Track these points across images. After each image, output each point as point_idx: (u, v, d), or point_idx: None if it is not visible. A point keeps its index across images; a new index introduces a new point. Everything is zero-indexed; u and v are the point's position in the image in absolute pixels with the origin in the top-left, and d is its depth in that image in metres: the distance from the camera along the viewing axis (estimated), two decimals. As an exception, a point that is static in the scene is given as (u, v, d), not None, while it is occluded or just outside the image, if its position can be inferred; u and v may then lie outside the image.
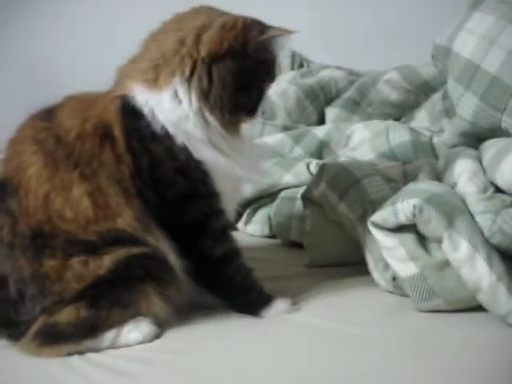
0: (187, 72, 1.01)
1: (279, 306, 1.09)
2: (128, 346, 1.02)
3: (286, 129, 1.70)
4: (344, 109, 1.82)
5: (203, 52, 1.00)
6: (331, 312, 1.07)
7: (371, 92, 1.85)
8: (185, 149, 1.02)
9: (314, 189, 1.27)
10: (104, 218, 1.00)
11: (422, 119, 1.76)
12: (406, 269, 1.04)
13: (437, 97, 1.73)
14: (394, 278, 1.08)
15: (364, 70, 2.04)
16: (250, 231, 1.49)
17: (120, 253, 1.00)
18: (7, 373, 0.98)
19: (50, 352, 1.01)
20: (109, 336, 1.02)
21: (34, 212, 1.01)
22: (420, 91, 1.82)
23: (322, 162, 1.43)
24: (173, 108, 1.02)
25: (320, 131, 1.61)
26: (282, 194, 1.43)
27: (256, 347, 0.99)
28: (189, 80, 1.01)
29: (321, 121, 1.86)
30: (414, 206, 1.01)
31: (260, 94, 1.06)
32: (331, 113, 1.82)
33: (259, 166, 1.13)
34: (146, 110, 1.02)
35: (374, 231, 1.07)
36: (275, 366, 0.92)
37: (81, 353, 1.01)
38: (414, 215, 1.01)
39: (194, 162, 1.03)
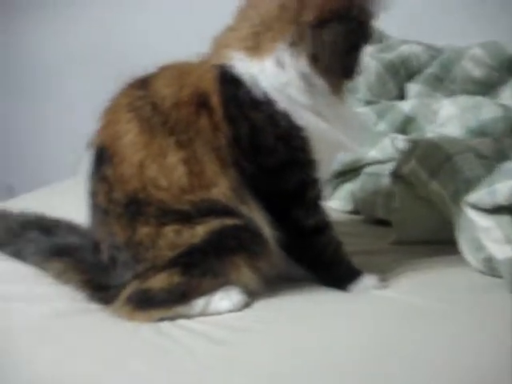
0: (293, 37, 1.00)
1: (367, 281, 1.08)
2: (218, 313, 1.03)
3: (368, 103, 1.67)
4: (426, 85, 1.77)
5: (309, 16, 0.99)
6: (420, 289, 1.06)
7: (455, 68, 1.79)
8: (286, 115, 1.01)
9: (404, 165, 1.24)
10: (199, 186, 1.01)
11: (506, 98, 1.70)
12: (502, 251, 1.01)
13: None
14: (488, 259, 1.06)
15: (444, 45, 1.98)
16: (332, 206, 1.48)
17: (214, 223, 1.01)
18: (101, 336, 1.00)
19: (142, 317, 1.03)
20: (200, 303, 1.03)
21: (128, 179, 1.02)
22: (504, 69, 1.76)
23: (408, 137, 1.40)
24: (276, 74, 1.01)
25: (405, 106, 1.58)
26: (367, 169, 1.41)
27: (343, 321, 0.99)
28: (295, 45, 1.00)
29: (401, 97, 1.81)
30: (515, 187, 0.98)
31: (359, 55, 1.04)
32: (413, 88, 1.77)
33: (360, 135, 1.11)
34: (245, 78, 1.01)
35: (470, 211, 1.04)
36: (361, 340, 0.92)
37: (171, 319, 1.02)
38: (513, 196, 0.99)
39: (296, 129, 1.02)
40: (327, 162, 1.08)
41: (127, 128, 1.03)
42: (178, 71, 1.08)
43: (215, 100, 1.02)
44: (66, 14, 2.81)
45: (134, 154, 1.02)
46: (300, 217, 1.06)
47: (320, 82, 1.02)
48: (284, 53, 1.01)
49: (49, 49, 2.89)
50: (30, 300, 1.14)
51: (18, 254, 1.27)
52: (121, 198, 1.03)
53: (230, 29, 1.06)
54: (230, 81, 1.03)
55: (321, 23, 0.99)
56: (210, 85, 1.03)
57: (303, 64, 1.01)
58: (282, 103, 1.01)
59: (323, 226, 1.08)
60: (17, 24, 2.93)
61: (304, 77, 1.01)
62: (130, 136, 1.03)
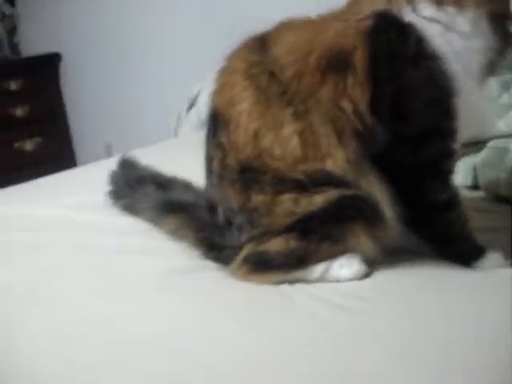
0: None
1: (492, 259, 1.03)
2: (337, 281, 1.01)
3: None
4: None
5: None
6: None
7: None
8: (449, 78, 0.96)
9: (537, 140, 1.17)
10: (313, 158, 0.98)
11: None
12: None
13: None
14: None
15: None
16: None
17: (332, 193, 0.98)
18: (220, 294, 1.00)
19: (260, 279, 1.02)
20: (318, 269, 1.02)
21: (243, 147, 1.00)
22: None
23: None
24: (463, 34, 0.97)
25: (533, 79, 1.49)
26: (491, 143, 1.34)
27: (464, 295, 0.94)
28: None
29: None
30: None
31: None
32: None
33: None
34: (420, 28, 0.96)
35: None
36: (483, 318, 0.88)
37: (289, 282, 1.01)
38: None
39: (452, 94, 0.97)
40: (462, 134, 1.03)
41: (243, 96, 1.01)
42: (303, 31, 1.03)
43: (360, 56, 0.96)
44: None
45: (249, 123, 1.00)
46: (433, 190, 1.01)
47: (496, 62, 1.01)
48: (483, 19, 0.97)
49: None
50: (146, 254, 1.16)
51: (133, 208, 1.29)
52: (235, 165, 1.02)
53: None
54: (388, 31, 0.96)
55: None
56: (355, 40, 0.97)
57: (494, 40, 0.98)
58: (455, 66, 0.96)
59: (455, 201, 1.03)
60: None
61: (488, 53, 0.99)
62: (245, 104, 1.01)
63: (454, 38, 0.97)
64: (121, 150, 1.91)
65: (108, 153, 3.07)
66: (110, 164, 1.44)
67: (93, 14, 3.11)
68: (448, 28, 0.97)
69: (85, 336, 0.91)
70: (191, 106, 2.34)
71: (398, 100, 0.97)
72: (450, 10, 0.97)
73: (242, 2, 2.54)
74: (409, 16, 0.97)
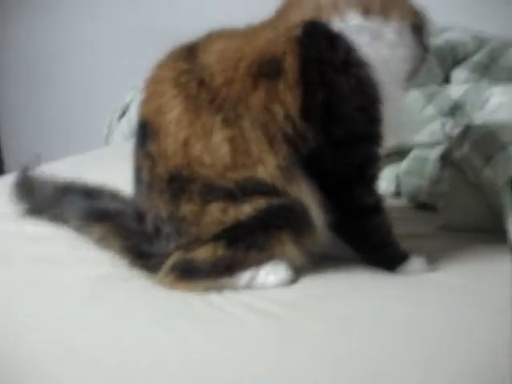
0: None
1: (415, 264, 1.06)
2: (264, 288, 1.02)
3: (417, 86, 1.64)
4: (473, 72, 1.73)
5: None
6: (466, 274, 1.04)
7: (502, 58, 1.76)
8: (377, 85, 0.99)
9: (456, 150, 1.22)
10: (243, 165, 0.98)
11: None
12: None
13: None
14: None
15: (491, 34, 1.94)
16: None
17: (260, 202, 0.99)
18: (147, 303, 0.99)
19: (187, 286, 1.02)
20: (245, 276, 1.02)
21: (172, 156, 1.00)
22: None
23: (460, 122, 1.37)
24: (391, 43, 1.01)
25: (455, 91, 1.54)
26: (414, 152, 1.39)
27: (389, 301, 0.97)
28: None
29: (446, 82, 1.78)
30: None
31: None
32: (460, 75, 1.73)
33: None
34: (347, 37, 0.99)
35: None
36: (413, 321, 0.91)
37: (217, 291, 1.01)
38: None
39: (380, 101, 1.00)
40: (387, 141, 1.06)
41: (172, 104, 1.01)
42: (233, 40, 1.04)
43: (290, 63, 0.97)
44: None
45: (179, 132, 1.00)
46: (361, 195, 1.03)
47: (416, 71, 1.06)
48: (406, 29, 1.02)
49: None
50: (71, 264, 1.13)
51: (59, 218, 1.27)
52: (164, 174, 1.01)
53: None
54: (318, 40, 0.98)
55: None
56: (286, 47, 0.98)
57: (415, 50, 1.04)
58: (380, 74, 0.99)
59: (380, 206, 1.06)
60: None
61: (410, 62, 1.04)
62: (174, 113, 1.00)
63: (380, 47, 1.00)
64: (51, 159, 1.88)
65: (37, 161, 2.98)
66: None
67: (23, 17, 3.03)
68: (375, 37, 1.00)
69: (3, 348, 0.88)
70: (123, 114, 2.32)
71: (328, 105, 0.98)
72: (377, 19, 1.00)
73: (177, 10, 2.55)
74: (337, 25, 0.99)
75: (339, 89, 0.98)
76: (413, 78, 1.08)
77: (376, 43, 1.00)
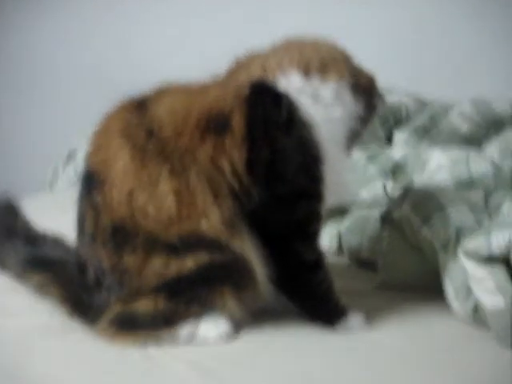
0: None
1: (354, 320, 1.08)
2: (204, 342, 1.01)
3: (359, 147, 1.69)
4: (413, 134, 1.80)
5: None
6: (403, 333, 1.06)
7: (443, 121, 1.84)
8: (318, 146, 1.02)
9: (395, 210, 1.26)
10: (188, 217, 0.99)
11: (491, 153, 1.74)
12: (492, 301, 1.02)
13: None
14: (476, 309, 1.07)
15: (432, 98, 2.03)
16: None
17: (202, 257, 1.00)
18: (85, 356, 0.98)
19: (126, 339, 1.01)
20: (185, 330, 1.02)
21: (117, 207, 1.00)
22: (491, 126, 1.81)
23: (400, 184, 1.42)
24: (332, 105, 1.04)
25: (396, 153, 1.60)
26: (355, 210, 1.42)
27: (328, 358, 0.98)
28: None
29: (388, 144, 1.84)
30: (510, 239, 1.00)
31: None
32: (400, 137, 1.80)
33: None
34: (293, 98, 1.02)
35: (465, 260, 1.05)
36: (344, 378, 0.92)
37: (157, 343, 1.00)
38: (509, 248, 1.00)
39: (321, 161, 1.03)
40: (328, 201, 1.08)
41: (119, 155, 1.01)
42: (183, 95, 1.06)
43: (238, 120, 1.00)
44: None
45: (124, 182, 1.00)
46: (302, 251, 1.05)
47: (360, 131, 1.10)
48: (345, 90, 1.06)
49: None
50: (5, 313, 1.10)
51: (1, 262, 1.23)
52: (107, 226, 1.01)
53: (274, 52, 1.08)
54: (263, 99, 1.02)
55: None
56: (234, 104, 1.01)
57: (356, 110, 1.07)
58: (321, 134, 1.03)
59: (321, 262, 1.08)
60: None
61: (351, 122, 1.07)
62: (120, 163, 1.01)
63: (318, 107, 1.04)
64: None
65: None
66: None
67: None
68: (313, 97, 1.04)
69: None
70: (69, 160, 2.30)
71: (271, 163, 1.01)
72: (315, 80, 1.05)
73: (133, 58, 2.58)
74: (282, 85, 1.03)
75: (282, 147, 1.01)
76: (357, 137, 1.12)
77: (315, 103, 1.04)
